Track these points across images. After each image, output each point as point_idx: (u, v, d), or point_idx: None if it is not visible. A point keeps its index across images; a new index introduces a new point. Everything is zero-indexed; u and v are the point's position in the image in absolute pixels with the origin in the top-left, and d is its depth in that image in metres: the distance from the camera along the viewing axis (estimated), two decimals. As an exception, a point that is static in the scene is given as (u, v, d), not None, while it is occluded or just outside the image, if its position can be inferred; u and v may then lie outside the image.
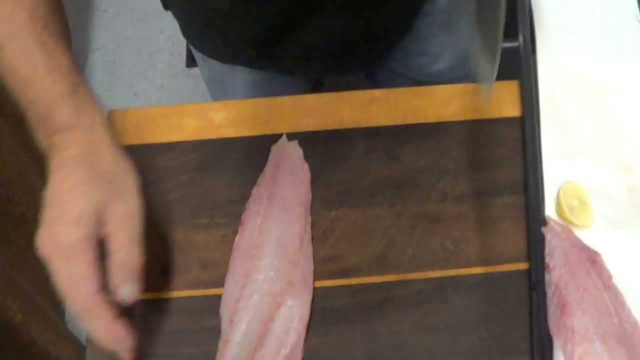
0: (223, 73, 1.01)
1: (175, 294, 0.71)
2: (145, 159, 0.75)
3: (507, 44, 0.60)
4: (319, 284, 0.70)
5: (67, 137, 0.62)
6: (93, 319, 0.59)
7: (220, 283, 0.70)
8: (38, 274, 1.44)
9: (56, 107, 0.62)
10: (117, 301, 0.60)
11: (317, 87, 1.13)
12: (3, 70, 0.63)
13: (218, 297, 0.70)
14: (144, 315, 0.70)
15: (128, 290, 0.60)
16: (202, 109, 0.79)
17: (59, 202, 0.60)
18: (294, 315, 0.68)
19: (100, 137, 0.64)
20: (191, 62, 1.78)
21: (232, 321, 0.67)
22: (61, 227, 0.59)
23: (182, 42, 1.60)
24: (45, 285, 1.45)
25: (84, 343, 1.53)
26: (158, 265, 0.72)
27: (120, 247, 0.60)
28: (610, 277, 0.70)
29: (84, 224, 0.59)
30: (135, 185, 0.64)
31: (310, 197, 0.74)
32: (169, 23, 1.94)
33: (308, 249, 0.71)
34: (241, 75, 0.99)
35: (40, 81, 0.62)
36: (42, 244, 0.59)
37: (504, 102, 0.80)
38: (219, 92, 1.08)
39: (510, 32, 0.68)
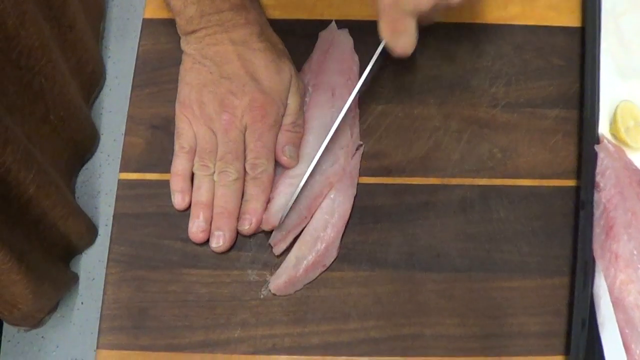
0: None
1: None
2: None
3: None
4: (359, 180, 0.68)
5: (243, 14, 0.66)
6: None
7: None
8: (53, 148, 1.42)
9: None
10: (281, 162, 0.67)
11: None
12: None
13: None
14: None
15: (292, 150, 0.66)
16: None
17: (261, 76, 0.66)
18: (334, 209, 0.65)
19: (266, 20, 0.70)
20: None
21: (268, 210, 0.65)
22: (271, 104, 0.66)
23: None
24: (59, 159, 1.44)
25: (93, 221, 1.54)
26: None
27: (292, 112, 0.67)
28: (658, 204, 0.67)
29: (284, 100, 0.67)
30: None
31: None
32: None
33: (356, 141, 0.68)
34: None
35: None
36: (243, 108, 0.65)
37: (564, 10, 0.76)
38: None
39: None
